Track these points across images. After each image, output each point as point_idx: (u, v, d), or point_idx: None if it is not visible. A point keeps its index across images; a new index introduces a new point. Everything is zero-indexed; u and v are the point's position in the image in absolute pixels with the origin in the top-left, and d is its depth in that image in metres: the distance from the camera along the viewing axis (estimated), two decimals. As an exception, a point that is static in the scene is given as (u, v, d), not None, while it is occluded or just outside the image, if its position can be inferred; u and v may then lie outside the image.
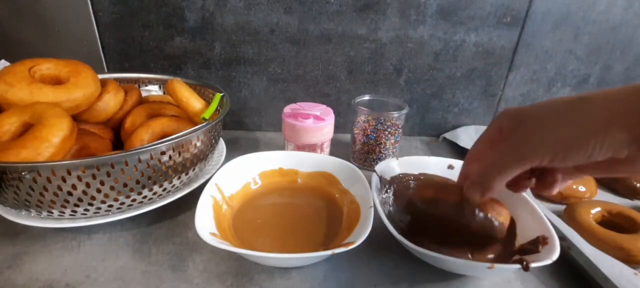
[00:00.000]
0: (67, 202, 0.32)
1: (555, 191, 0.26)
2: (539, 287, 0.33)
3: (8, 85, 0.35)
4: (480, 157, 0.30)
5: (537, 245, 0.31)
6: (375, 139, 0.50)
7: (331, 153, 0.53)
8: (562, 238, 0.35)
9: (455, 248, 0.33)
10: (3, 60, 0.44)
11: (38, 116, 0.33)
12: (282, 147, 0.53)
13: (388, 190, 0.41)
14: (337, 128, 0.53)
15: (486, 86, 0.62)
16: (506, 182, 0.25)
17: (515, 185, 0.28)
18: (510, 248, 0.34)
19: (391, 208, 0.40)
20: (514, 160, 0.24)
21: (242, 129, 0.65)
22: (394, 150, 0.53)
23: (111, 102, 0.42)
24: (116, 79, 0.48)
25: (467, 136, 0.61)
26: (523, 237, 0.34)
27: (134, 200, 0.35)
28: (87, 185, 0.31)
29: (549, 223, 0.33)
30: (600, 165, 0.23)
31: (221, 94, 0.46)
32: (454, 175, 0.44)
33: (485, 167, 0.26)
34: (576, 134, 0.21)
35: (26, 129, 0.33)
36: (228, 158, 0.43)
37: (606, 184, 0.50)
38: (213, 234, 0.31)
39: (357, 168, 0.41)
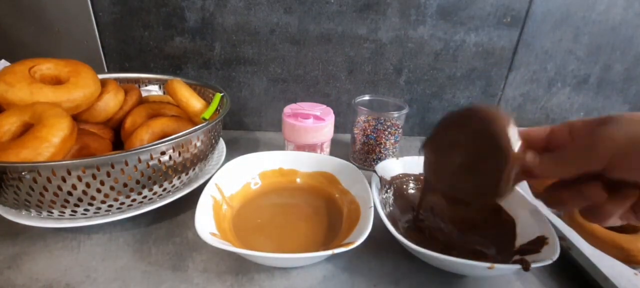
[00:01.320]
0: (67, 202, 0.32)
1: (605, 222, 0.24)
2: (539, 287, 0.33)
3: (8, 85, 0.35)
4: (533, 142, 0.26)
5: (537, 245, 0.31)
6: (375, 139, 0.50)
7: (331, 153, 0.53)
8: (562, 238, 0.35)
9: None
10: (3, 60, 0.44)
11: (38, 116, 0.33)
12: (282, 147, 0.53)
13: (388, 190, 0.41)
14: (337, 128, 0.53)
15: (486, 86, 0.62)
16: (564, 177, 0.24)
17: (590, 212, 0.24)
18: (510, 248, 0.34)
19: (391, 208, 0.40)
20: (576, 158, 0.23)
21: (242, 129, 0.65)
22: (394, 150, 0.53)
23: (111, 102, 0.42)
24: (116, 79, 0.48)
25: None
26: (523, 237, 0.34)
27: (134, 200, 0.35)
28: (87, 185, 0.31)
29: (549, 223, 0.33)
30: None
31: (221, 94, 0.46)
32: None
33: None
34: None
35: (26, 129, 0.33)
36: (228, 158, 0.43)
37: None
38: (213, 234, 0.31)
39: (357, 168, 0.41)
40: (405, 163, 0.44)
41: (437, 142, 0.32)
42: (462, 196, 0.30)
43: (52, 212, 0.33)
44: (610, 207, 0.23)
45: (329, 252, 0.29)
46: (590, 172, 0.22)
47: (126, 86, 0.47)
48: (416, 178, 0.44)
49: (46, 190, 0.30)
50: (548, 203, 0.26)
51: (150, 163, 0.34)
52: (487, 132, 0.26)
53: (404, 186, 0.43)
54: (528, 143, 0.26)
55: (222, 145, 0.52)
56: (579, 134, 0.24)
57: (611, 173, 0.22)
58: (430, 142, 0.32)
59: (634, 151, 0.20)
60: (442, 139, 0.31)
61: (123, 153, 0.31)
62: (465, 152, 0.28)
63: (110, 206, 0.34)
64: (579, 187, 0.23)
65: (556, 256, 0.29)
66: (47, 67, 0.39)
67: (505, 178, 0.25)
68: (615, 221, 0.24)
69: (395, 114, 0.50)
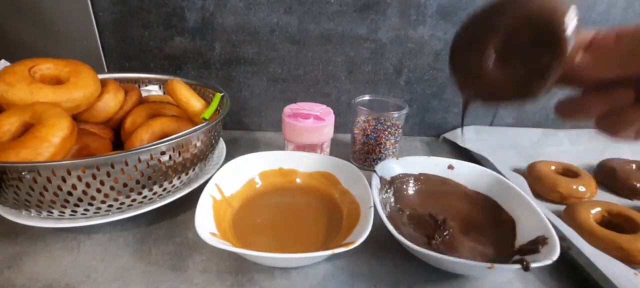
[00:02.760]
0: (67, 202, 0.32)
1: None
2: (539, 287, 0.33)
3: (8, 85, 0.35)
4: None
5: (537, 245, 0.31)
6: (375, 139, 0.50)
7: (331, 153, 0.53)
8: (562, 238, 0.35)
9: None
10: (3, 60, 0.44)
11: (38, 116, 0.33)
12: (282, 147, 0.53)
13: (388, 190, 0.41)
14: (337, 128, 0.53)
15: (486, 86, 0.62)
16: None
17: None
18: (510, 248, 0.34)
19: (391, 208, 0.40)
20: None
21: (242, 129, 0.65)
22: (394, 150, 0.53)
23: (111, 102, 0.42)
24: (116, 79, 0.48)
25: (467, 136, 0.61)
26: (523, 237, 0.34)
27: (134, 200, 0.35)
28: (87, 185, 0.31)
29: (549, 223, 0.33)
30: None
31: (221, 94, 0.46)
32: (454, 175, 0.44)
33: None
34: None
35: (26, 129, 0.33)
36: (228, 158, 0.43)
37: (606, 184, 0.50)
38: (213, 234, 0.31)
39: (357, 168, 0.41)
40: (405, 163, 0.44)
41: (474, 27, 0.26)
42: (497, 92, 0.25)
43: (52, 212, 0.33)
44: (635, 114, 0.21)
45: (329, 252, 0.29)
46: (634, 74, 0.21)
47: (126, 86, 0.47)
48: (416, 178, 0.44)
49: (46, 190, 0.30)
50: (569, 110, 0.24)
51: (150, 163, 0.34)
52: (542, 19, 0.22)
53: (404, 186, 0.43)
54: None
55: (222, 145, 0.52)
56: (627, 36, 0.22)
57: None
58: (467, 26, 0.26)
59: None
60: (481, 23, 0.25)
61: (123, 153, 0.31)
62: (510, 40, 0.24)
63: (110, 206, 0.34)
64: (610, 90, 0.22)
65: (556, 256, 0.29)
66: (47, 67, 0.39)
67: (553, 74, 0.22)
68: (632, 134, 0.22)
69: (395, 114, 0.50)
